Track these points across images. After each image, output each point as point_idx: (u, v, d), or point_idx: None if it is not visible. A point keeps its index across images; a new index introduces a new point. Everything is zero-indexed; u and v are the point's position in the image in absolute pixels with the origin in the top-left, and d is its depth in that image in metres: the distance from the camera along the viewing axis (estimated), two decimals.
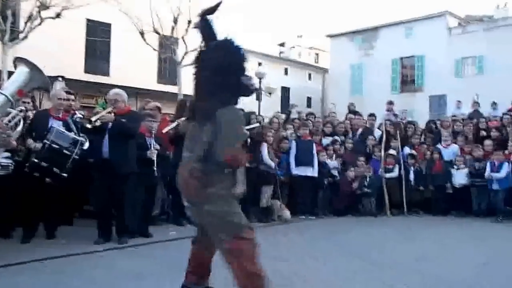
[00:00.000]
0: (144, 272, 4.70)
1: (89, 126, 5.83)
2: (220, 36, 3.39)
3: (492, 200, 9.50)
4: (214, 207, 3.23)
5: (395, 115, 12.64)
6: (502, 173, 9.30)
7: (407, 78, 32.46)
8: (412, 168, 10.33)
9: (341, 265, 5.28)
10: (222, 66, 3.25)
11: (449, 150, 10.43)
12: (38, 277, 4.45)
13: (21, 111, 5.31)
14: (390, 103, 12.80)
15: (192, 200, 3.35)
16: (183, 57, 17.41)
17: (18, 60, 5.22)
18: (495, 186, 9.38)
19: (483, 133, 10.79)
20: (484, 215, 9.50)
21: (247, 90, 3.39)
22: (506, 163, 9.40)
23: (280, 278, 4.57)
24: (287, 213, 8.80)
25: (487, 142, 10.15)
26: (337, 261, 5.47)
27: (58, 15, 15.31)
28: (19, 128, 5.19)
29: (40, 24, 15.13)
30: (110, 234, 6.07)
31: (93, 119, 5.86)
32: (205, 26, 3.43)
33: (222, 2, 3.42)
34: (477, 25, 30.11)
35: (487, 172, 9.43)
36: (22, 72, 5.17)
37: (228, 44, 3.37)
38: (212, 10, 3.42)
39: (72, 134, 5.84)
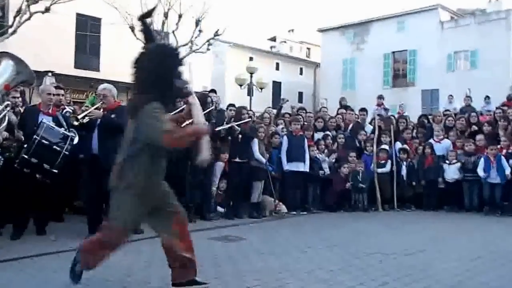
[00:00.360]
0: (133, 268, 4.72)
1: (76, 123, 5.83)
2: (158, 39, 3.65)
3: (485, 194, 9.53)
4: (116, 196, 3.62)
5: (386, 110, 12.71)
6: (507, 171, 9.30)
7: (399, 72, 32.60)
8: (404, 163, 10.37)
9: (335, 261, 5.31)
10: (156, 68, 3.49)
11: (441, 145, 10.48)
12: (28, 274, 4.45)
13: (7, 106, 5.30)
14: (380, 97, 12.86)
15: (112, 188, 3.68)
16: None
17: (2, 55, 5.20)
18: (495, 180, 9.39)
19: (475, 127, 10.84)
20: (476, 210, 9.60)
21: (180, 92, 3.65)
22: (503, 158, 9.46)
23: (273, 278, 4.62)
24: (283, 207, 8.90)
25: (479, 137, 10.19)
26: (330, 258, 5.51)
27: (47, 9, 15.19)
28: (5, 123, 5.17)
29: (29, 18, 15.01)
30: None
31: (79, 116, 5.86)
32: (144, 29, 3.73)
33: (157, 7, 3.69)
34: (469, 19, 30.21)
35: (479, 169, 9.49)
36: (7, 66, 5.16)
37: (163, 47, 3.71)
38: (148, 14, 3.73)
39: (62, 130, 5.83)
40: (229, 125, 8.33)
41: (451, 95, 15.27)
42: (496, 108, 12.04)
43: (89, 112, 5.85)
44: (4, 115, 5.11)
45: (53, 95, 6.21)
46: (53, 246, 5.50)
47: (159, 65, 3.50)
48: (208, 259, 5.17)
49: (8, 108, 5.27)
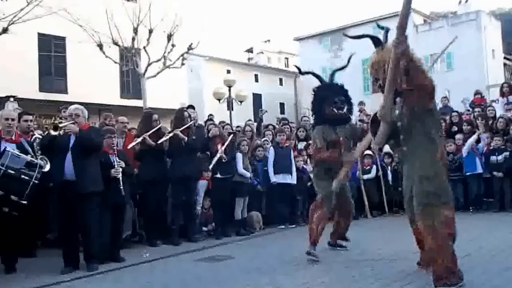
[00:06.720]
0: None
1: (55, 133, 5.58)
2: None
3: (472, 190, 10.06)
4: None
5: (368, 116, 12.71)
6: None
7: None
8: (389, 167, 10.36)
9: (327, 273, 5.16)
10: None
11: None
12: None
13: None
14: (361, 103, 13.01)
15: None
16: (146, 69, 17.04)
17: None
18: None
19: (455, 128, 11.02)
20: (463, 208, 9.73)
21: None
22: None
23: None
24: None
25: (458, 136, 10.45)
26: (322, 270, 5.36)
27: (5, 30, 14.74)
28: None
29: None
30: (77, 262, 5.80)
31: (60, 125, 5.63)
32: None
33: None
34: (442, 22, 30.95)
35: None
36: None
37: None
38: None
39: (28, 157, 5.56)
40: (171, 134, 7.63)
41: (445, 96, 14.92)
42: (473, 106, 12.46)
43: (67, 125, 5.62)
44: None
45: (12, 119, 5.84)
46: (26, 284, 5.22)
47: None
48: (194, 281, 5.03)
49: None
